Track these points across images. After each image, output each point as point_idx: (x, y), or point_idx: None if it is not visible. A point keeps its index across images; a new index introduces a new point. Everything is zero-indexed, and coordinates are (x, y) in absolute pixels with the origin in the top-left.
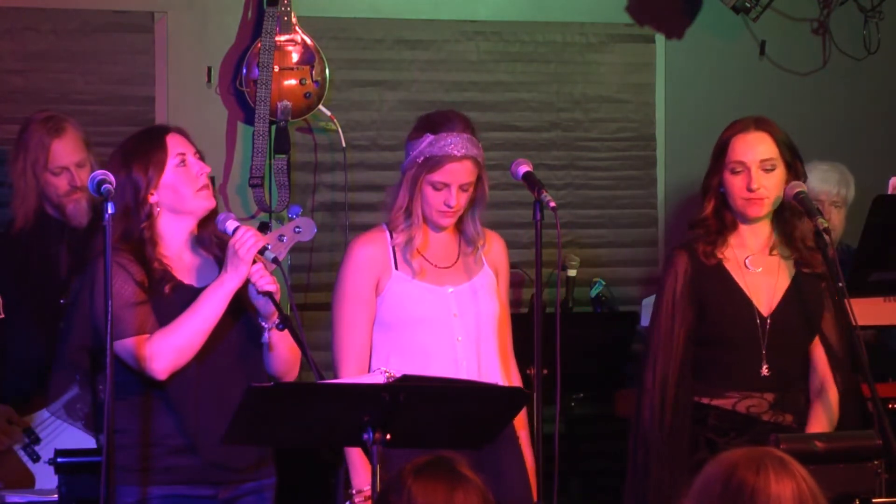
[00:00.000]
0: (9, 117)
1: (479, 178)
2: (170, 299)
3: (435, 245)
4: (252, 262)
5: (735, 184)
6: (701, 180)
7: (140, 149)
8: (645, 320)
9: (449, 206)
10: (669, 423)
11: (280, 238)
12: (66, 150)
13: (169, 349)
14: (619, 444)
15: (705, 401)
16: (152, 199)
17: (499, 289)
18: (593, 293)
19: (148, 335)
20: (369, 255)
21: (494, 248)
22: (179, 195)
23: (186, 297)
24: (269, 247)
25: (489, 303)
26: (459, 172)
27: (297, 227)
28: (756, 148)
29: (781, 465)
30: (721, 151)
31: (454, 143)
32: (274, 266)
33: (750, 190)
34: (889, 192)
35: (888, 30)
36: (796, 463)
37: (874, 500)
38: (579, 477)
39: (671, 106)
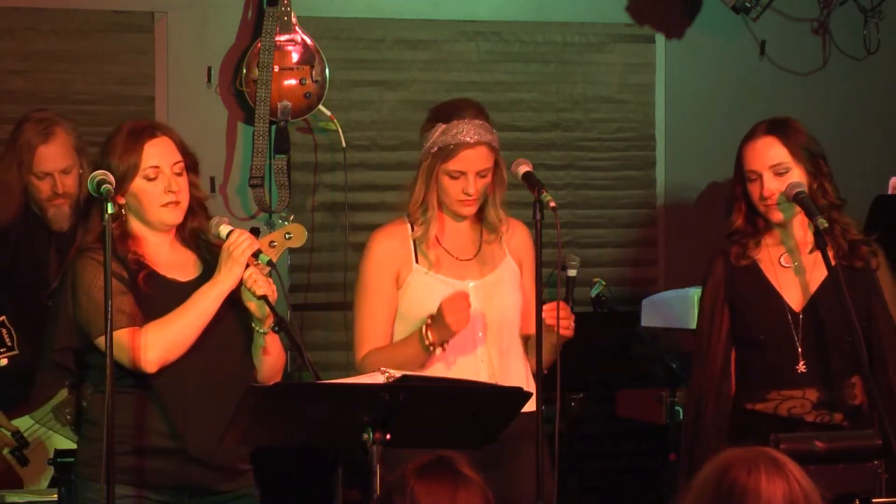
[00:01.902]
0: (9, 117)
1: (496, 164)
2: (149, 292)
3: (455, 236)
4: (246, 265)
5: (753, 192)
6: (701, 180)
7: (120, 148)
8: (645, 320)
9: (468, 195)
10: (709, 426)
11: (271, 244)
12: (52, 157)
13: (162, 342)
14: (619, 444)
15: (748, 406)
16: (121, 200)
17: (523, 280)
18: (593, 293)
19: (139, 327)
20: (390, 248)
21: (517, 237)
22: (143, 207)
23: (168, 291)
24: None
25: (511, 295)
26: (474, 159)
27: (288, 233)
28: (765, 154)
29: (774, 466)
30: (738, 162)
31: (466, 129)
32: (269, 269)
33: (762, 198)
34: (889, 192)
35: (888, 30)
36: (792, 464)
37: (874, 500)
38: (579, 477)
39: (671, 106)
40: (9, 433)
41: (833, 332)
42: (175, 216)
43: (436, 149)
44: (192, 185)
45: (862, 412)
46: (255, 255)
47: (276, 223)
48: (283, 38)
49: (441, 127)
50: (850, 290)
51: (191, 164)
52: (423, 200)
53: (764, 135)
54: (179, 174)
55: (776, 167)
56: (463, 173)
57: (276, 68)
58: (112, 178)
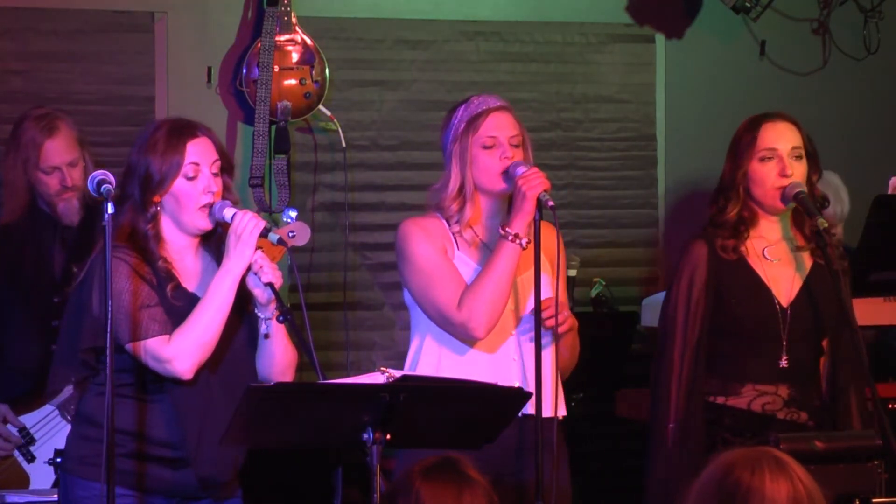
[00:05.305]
0: (9, 117)
1: (525, 145)
2: (173, 303)
3: (494, 232)
4: (256, 246)
5: (765, 171)
6: (701, 180)
7: (161, 145)
8: (645, 320)
9: (507, 158)
10: (683, 417)
11: (277, 241)
12: (57, 150)
13: (190, 346)
14: (620, 444)
15: (720, 400)
16: (158, 199)
17: (552, 280)
18: (593, 293)
19: (168, 336)
20: (429, 226)
21: (545, 238)
22: (180, 207)
23: (188, 303)
24: (272, 228)
25: (546, 293)
26: (504, 122)
27: (292, 231)
28: (786, 135)
29: (778, 466)
30: (749, 142)
31: (488, 99)
32: (280, 247)
33: (784, 176)
34: (889, 192)
35: (888, 30)
36: (795, 463)
37: (874, 500)
38: (579, 477)
39: (671, 106)
40: (16, 429)
41: (814, 330)
42: (209, 222)
43: (463, 125)
44: (226, 188)
45: (824, 412)
46: (264, 234)
47: (280, 221)
48: (283, 38)
49: (461, 108)
50: (826, 290)
51: (226, 166)
52: (460, 186)
53: (783, 119)
54: (216, 175)
55: (794, 150)
56: (496, 139)
57: (276, 68)
58: (112, 179)
